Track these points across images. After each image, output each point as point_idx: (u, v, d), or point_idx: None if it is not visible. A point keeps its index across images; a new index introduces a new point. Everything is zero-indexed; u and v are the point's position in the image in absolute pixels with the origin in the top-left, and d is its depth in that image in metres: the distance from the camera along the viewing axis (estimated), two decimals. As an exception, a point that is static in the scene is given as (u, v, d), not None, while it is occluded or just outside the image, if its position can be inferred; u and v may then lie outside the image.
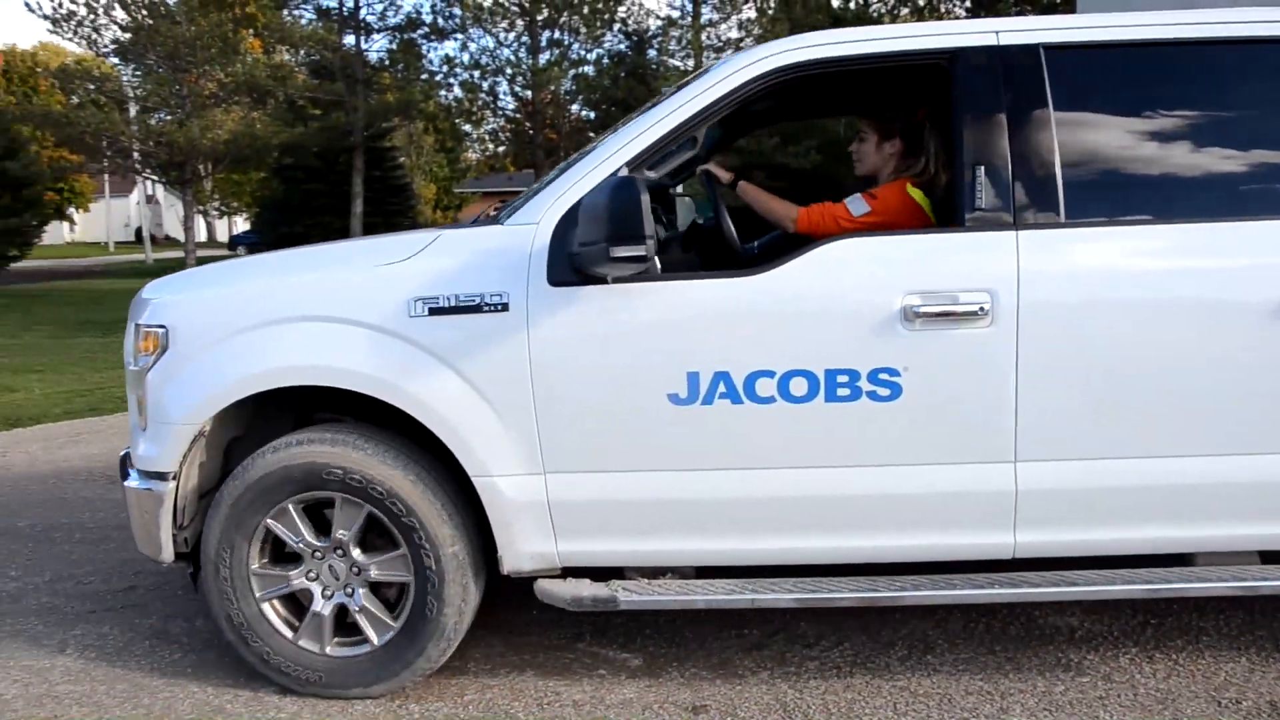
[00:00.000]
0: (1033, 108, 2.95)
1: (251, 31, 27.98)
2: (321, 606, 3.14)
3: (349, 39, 28.55)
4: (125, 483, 3.31)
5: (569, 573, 3.14)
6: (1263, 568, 3.02)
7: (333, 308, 3.09)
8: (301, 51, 29.13)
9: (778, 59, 3.07)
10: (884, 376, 2.89)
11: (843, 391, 2.91)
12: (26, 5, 27.25)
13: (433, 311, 2.98)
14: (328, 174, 29.87)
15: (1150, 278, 2.91)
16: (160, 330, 3.21)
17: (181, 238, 32.17)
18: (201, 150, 26.20)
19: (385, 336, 3.01)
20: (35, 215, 22.81)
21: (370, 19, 28.60)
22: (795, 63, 3.08)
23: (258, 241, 34.66)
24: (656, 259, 2.96)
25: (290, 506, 3.12)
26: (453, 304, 2.98)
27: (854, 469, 2.97)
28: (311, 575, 3.17)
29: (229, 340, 3.14)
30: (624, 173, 2.94)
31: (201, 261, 10.58)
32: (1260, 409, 2.89)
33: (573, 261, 2.86)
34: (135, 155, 27.81)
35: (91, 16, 25.53)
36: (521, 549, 3.06)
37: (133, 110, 28.34)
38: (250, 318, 3.16)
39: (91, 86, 28.86)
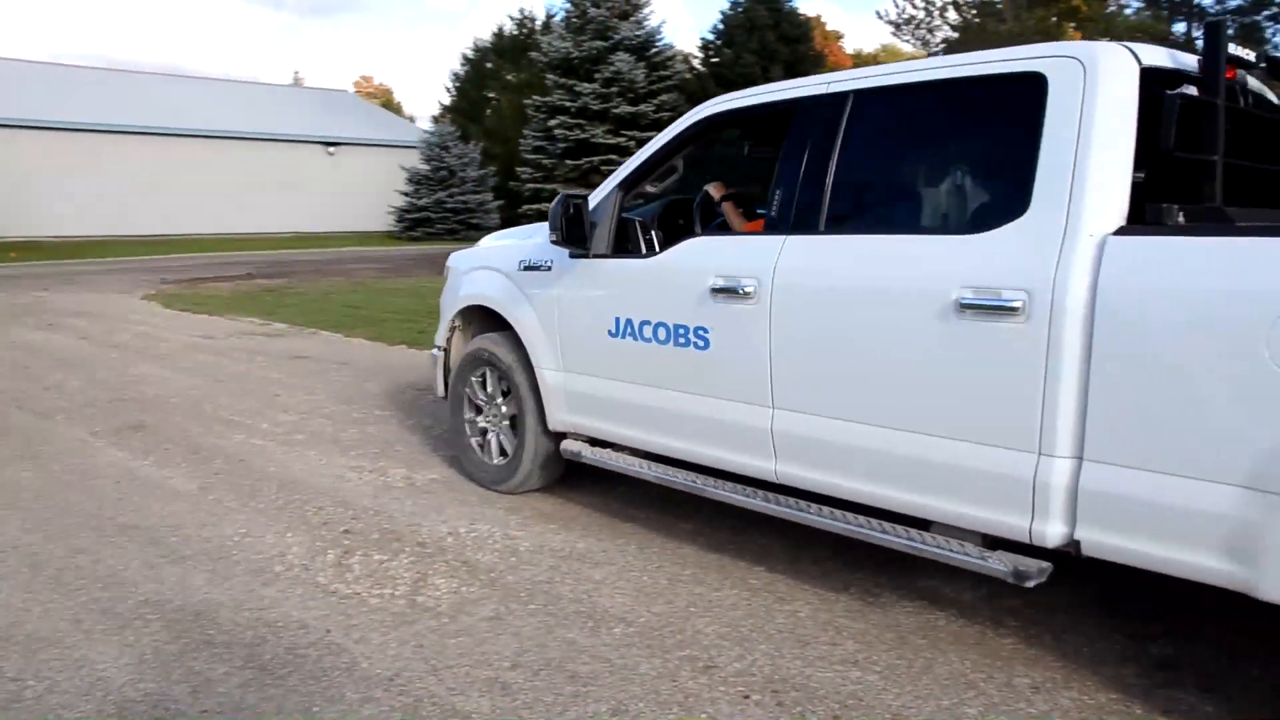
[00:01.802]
0: (822, 143, 3.70)
1: (1073, 25, 27.64)
2: (491, 437, 5.25)
3: (1179, 27, 26.55)
4: (431, 351, 5.72)
5: (594, 443, 4.73)
6: (946, 540, 3.33)
7: (495, 262, 5.20)
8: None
9: (702, 113, 4.29)
10: (701, 332, 3.99)
11: (680, 340, 4.08)
12: (876, 14, 30.51)
13: (525, 268, 4.89)
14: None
15: (854, 276, 3.49)
16: (450, 269, 5.65)
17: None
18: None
19: (509, 281, 4.99)
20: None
21: (1205, 3, 26.19)
22: (713, 114, 4.26)
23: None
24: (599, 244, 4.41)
25: (474, 376, 5.27)
26: (531, 264, 4.85)
27: (688, 395, 4.11)
28: (487, 419, 5.27)
29: (462, 276, 5.46)
30: (617, 190, 4.46)
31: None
32: (941, 398, 3.24)
33: None
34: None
35: (928, 19, 27.57)
36: (556, 416, 4.79)
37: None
38: (471, 263, 5.46)
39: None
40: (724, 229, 4.71)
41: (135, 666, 3.29)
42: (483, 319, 5.33)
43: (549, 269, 4.72)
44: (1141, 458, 2.83)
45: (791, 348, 3.65)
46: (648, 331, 4.20)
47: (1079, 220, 2.94)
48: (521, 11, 47.85)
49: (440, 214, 30.81)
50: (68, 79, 34.83)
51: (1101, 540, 2.95)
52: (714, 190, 4.79)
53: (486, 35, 48.61)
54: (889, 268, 3.38)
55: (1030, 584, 3.12)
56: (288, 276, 19.36)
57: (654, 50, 23.24)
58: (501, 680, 3.20)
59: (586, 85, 21.93)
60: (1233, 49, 3.18)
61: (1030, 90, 3.13)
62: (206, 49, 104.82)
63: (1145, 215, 2.97)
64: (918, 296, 3.24)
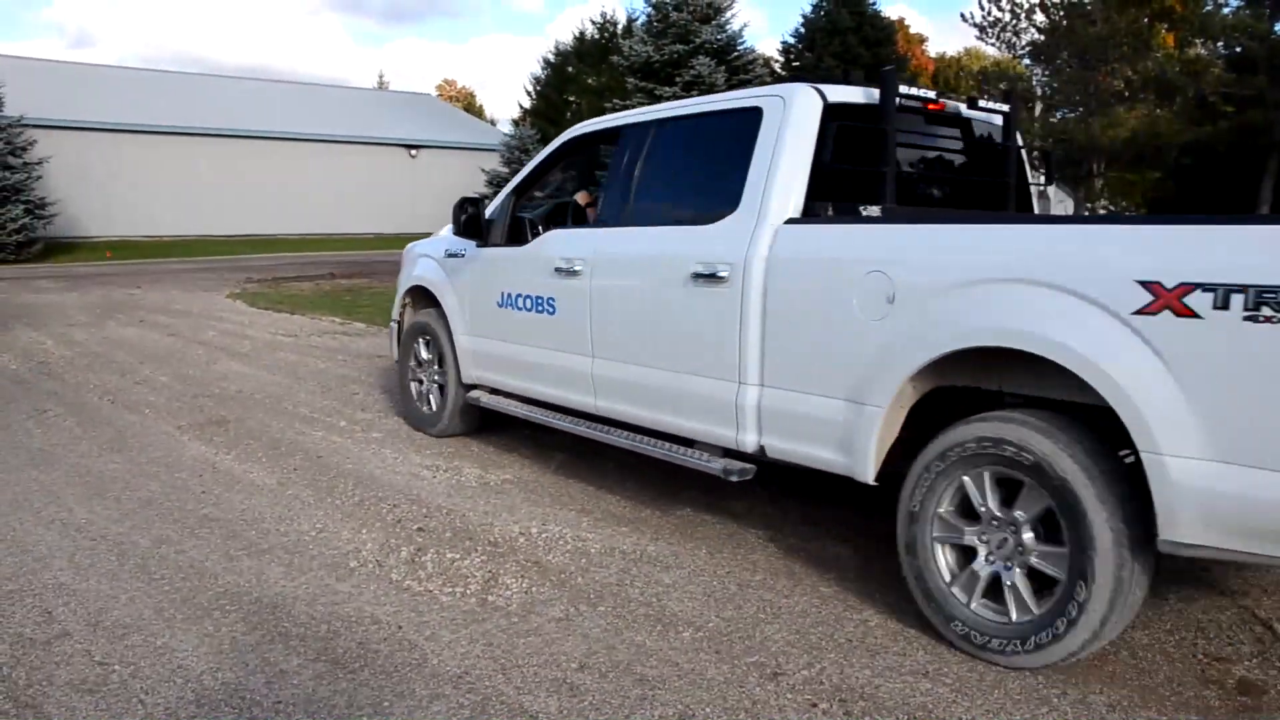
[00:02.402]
0: (632, 158, 4.91)
1: (1165, 26, 26.74)
2: (425, 390, 6.57)
3: (1280, 26, 25.43)
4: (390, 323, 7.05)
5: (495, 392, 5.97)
6: (697, 452, 4.45)
7: (430, 250, 6.43)
8: (1220, 44, 26.94)
9: (568, 135, 5.58)
10: (550, 301, 5.19)
11: (539, 308, 5.28)
12: (961, 16, 29.97)
13: (449, 255, 6.14)
14: (1230, 177, 27.28)
15: (637, 257, 4.72)
16: (405, 254, 6.91)
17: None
18: (1099, 147, 25.96)
19: (439, 265, 6.24)
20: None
21: (1311, 2, 25.05)
22: (576, 136, 5.53)
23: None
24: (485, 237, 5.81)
25: (416, 343, 6.58)
26: (453, 253, 6.09)
27: (545, 350, 5.29)
28: (424, 377, 6.59)
29: (415, 260, 6.63)
30: (511, 195, 5.73)
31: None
32: (683, 344, 4.39)
33: None
34: (1034, 151, 28.62)
35: (1014, 21, 26.93)
36: (466, 371, 6.05)
37: (1037, 109, 29.23)
38: (420, 251, 6.59)
39: (1004, 86, 30.45)
40: (585, 226, 5.75)
41: (214, 656, 3.37)
42: (424, 297, 6.54)
43: (463, 256, 5.97)
44: (794, 382, 3.93)
45: (601, 310, 4.84)
46: (520, 302, 5.43)
47: (766, 214, 4.03)
48: (603, 15, 48.17)
49: (518, 216, 31.05)
50: (157, 84, 35.96)
51: (776, 444, 4.05)
52: (580, 198, 5.99)
53: (568, 39, 48.97)
54: (656, 250, 4.57)
55: (734, 479, 4.16)
56: (368, 277, 19.71)
57: (735, 54, 23.11)
58: (569, 681, 3.21)
59: (666, 89, 21.88)
60: (918, 91, 4.43)
61: (752, 120, 4.22)
62: (295, 54, 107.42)
63: (806, 210, 4.03)
64: (668, 270, 4.41)
